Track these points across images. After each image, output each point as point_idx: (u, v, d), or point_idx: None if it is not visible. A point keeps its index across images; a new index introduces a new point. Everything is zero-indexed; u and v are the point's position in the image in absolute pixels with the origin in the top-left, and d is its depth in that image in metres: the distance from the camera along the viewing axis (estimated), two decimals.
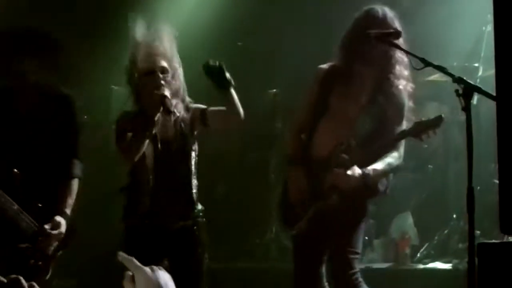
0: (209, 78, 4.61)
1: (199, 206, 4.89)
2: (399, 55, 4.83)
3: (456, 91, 3.93)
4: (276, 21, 8.77)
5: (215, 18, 8.22)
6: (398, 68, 4.85)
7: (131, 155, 4.73)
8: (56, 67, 5.18)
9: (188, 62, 5.00)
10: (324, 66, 5.07)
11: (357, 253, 4.85)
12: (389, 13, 4.89)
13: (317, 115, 4.96)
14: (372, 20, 4.83)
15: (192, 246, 4.85)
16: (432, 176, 7.70)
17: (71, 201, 5.08)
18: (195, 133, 4.91)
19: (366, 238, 6.89)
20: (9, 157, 5.00)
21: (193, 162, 4.87)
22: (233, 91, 4.66)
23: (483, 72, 7.29)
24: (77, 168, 5.14)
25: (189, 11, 8.14)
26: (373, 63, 4.84)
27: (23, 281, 1.85)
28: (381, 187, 4.91)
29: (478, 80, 7.08)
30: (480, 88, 4.03)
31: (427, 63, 4.29)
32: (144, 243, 4.78)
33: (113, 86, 7.76)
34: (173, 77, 4.83)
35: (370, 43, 4.71)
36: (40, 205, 4.95)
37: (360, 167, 4.72)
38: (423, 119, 4.62)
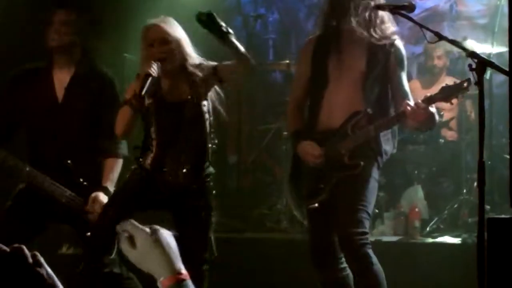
0: (205, 29, 4.65)
1: (210, 169, 4.93)
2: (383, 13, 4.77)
3: (469, 65, 3.91)
4: None
5: None
6: (388, 25, 4.80)
7: (116, 127, 4.84)
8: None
9: None
10: (312, 37, 5.03)
11: (368, 214, 4.79)
12: None
13: (317, 88, 4.91)
14: None
15: (196, 208, 4.89)
16: (443, 149, 7.69)
17: (113, 177, 5.23)
18: (210, 93, 4.96)
19: (377, 211, 6.91)
20: (58, 136, 5.15)
21: (207, 124, 4.90)
22: (233, 39, 4.67)
23: (497, 47, 7.27)
24: (123, 147, 5.30)
25: None
26: (362, 23, 4.78)
27: (26, 251, 1.84)
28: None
29: (491, 56, 7.06)
30: (493, 63, 4.01)
31: (441, 37, 4.28)
32: (146, 197, 4.88)
33: (125, 54, 7.77)
34: (177, 45, 4.89)
35: (353, 3, 4.69)
36: (85, 183, 5.13)
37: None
38: (451, 83, 4.57)
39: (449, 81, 4.56)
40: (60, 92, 5.22)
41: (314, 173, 4.86)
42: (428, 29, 4.35)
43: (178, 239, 2.13)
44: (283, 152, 8.00)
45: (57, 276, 1.84)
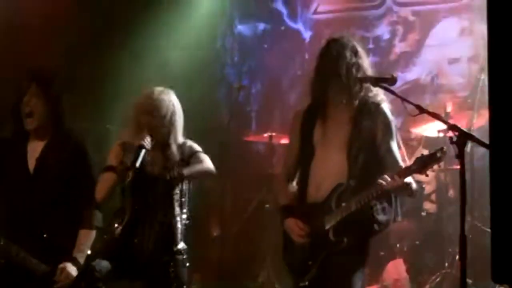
0: None
1: (181, 245, 4.99)
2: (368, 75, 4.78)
3: (450, 138, 3.93)
4: None
5: None
6: (375, 92, 4.78)
7: (97, 192, 4.96)
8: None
9: None
10: (301, 108, 5.03)
11: None
12: (351, 43, 4.83)
13: (304, 160, 4.89)
14: (336, 54, 4.78)
15: (167, 280, 4.94)
16: (425, 222, 7.68)
17: (84, 248, 5.20)
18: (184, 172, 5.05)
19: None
20: (32, 207, 5.14)
21: (176, 202, 4.98)
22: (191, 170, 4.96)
23: (477, 119, 7.32)
24: (98, 218, 5.27)
25: None
26: (347, 94, 4.77)
27: None
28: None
29: (471, 129, 7.11)
30: (473, 136, 4.02)
31: (422, 110, 4.30)
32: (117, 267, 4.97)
33: (108, 126, 7.78)
34: (170, 120, 5.05)
35: (339, 76, 4.70)
36: (45, 235, 5.09)
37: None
38: (424, 153, 4.55)
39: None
40: (32, 163, 5.21)
41: (302, 249, 4.80)
42: (409, 102, 4.38)
43: None
44: (266, 224, 7.97)
45: None
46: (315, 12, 9.50)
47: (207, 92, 9.52)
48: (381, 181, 4.49)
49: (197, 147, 5.25)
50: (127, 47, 8.48)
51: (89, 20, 8.48)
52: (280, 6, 9.65)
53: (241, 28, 9.82)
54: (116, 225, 5.01)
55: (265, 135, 8.32)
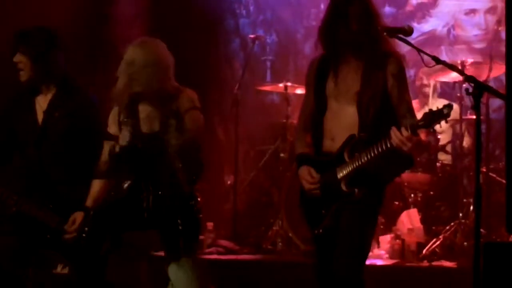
0: None
1: (187, 196, 5.04)
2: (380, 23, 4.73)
3: (466, 89, 3.92)
4: None
5: None
6: (385, 38, 4.73)
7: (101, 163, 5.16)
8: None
9: None
10: (315, 59, 5.00)
11: (366, 258, 4.77)
12: None
13: (318, 111, 4.87)
14: (345, 2, 4.74)
15: (175, 231, 5.02)
16: (440, 173, 7.69)
17: (97, 197, 5.24)
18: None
19: None
20: (43, 160, 5.21)
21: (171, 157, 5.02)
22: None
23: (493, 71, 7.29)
24: (109, 169, 5.29)
25: None
26: (361, 42, 4.74)
27: None
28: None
29: (489, 80, 7.08)
30: (490, 87, 4.01)
31: (438, 61, 4.28)
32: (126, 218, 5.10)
33: None
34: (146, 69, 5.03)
35: (352, 23, 4.65)
36: (51, 206, 5.16)
37: None
38: (432, 109, 4.51)
39: (441, 104, 4.50)
40: (40, 116, 5.26)
41: (316, 198, 4.82)
42: (425, 53, 4.36)
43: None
44: (280, 174, 8.00)
45: None
46: None
47: (222, 43, 9.51)
48: (391, 133, 4.47)
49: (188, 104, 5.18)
50: None
51: None
52: None
53: None
54: (124, 183, 5.06)
55: (280, 85, 8.30)
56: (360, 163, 4.60)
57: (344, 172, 4.66)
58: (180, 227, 4.98)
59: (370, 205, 4.72)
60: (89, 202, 5.19)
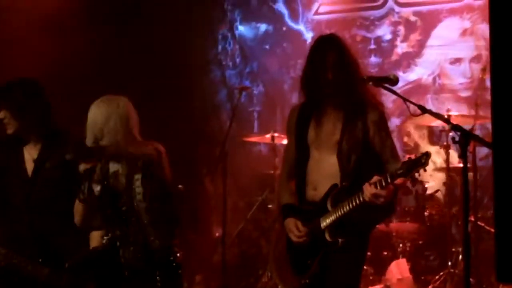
0: None
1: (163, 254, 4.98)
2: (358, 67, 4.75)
3: (453, 138, 3.92)
4: None
5: None
6: (363, 86, 4.74)
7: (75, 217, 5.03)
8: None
9: None
10: (296, 106, 5.00)
11: None
12: (340, 41, 4.80)
13: (301, 159, 4.86)
14: (323, 49, 4.76)
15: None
16: (428, 222, 7.68)
17: None
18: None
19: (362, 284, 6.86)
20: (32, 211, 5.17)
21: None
22: None
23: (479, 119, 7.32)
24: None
25: None
26: (339, 91, 4.74)
27: None
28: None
29: (474, 128, 7.11)
30: (477, 136, 4.03)
31: (424, 110, 4.29)
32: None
33: None
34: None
35: (329, 73, 4.67)
36: (40, 260, 5.08)
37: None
38: (410, 157, 4.51)
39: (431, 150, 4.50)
40: (29, 166, 5.23)
41: (301, 248, 4.80)
42: (411, 102, 4.37)
43: None
44: (269, 225, 7.97)
45: None
46: (316, 13, 9.51)
47: (208, 94, 9.54)
48: (364, 189, 4.46)
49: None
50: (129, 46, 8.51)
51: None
52: (281, 7, 9.67)
53: (242, 29, 9.85)
54: (104, 237, 5.01)
55: (267, 135, 8.32)
56: (342, 212, 4.60)
57: (328, 221, 4.65)
58: (158, 284, 4.92)
59: (355, 253, 4.71)
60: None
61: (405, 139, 8.10)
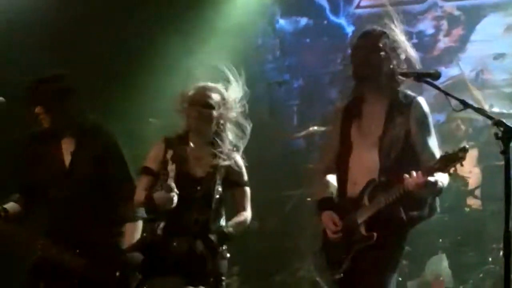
0: None
1: (213, 237, 4.99)
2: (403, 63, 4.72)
3: (495, 134, 3.89)
4: None
5: None
6: (410, 85, 4.72)
7: (136, 194, 5.12)
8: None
9: None
10: (341, 103, 5.01)
11: None
12: (384, 35, 4.77)
13: (343, 155, 4.86)
14: (365, 44, 4.75)
15: (203, 274, 4.95)
16: (468, 218, 7.63)
17: (133, 240, 5.24)
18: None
19: (400, 279, 6.83)
20: (70, 204, 5.19)
21: (213, 202, 4.99)
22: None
23: None
24: (141, 210, 5.29)
25: None
26: (381, 87, 4.73)
27: None
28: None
29: None
30: None
31: (466, 105, 4.26)
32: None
33: (150, 119, 7.84)
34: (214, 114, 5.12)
35: (371, 68, 4.66)
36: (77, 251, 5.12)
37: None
38: (448, 152, 4.48)
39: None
40: (67, 159, 5.27)
41: (337, 242, 4.80)
42: (453, 97, 4.34)
43: None
44: (306, 219, 7.96)
45: None
46: (357, 7, 9.48)
47: (248, 88, 9.54)
48: (405, 179, 4.44)
49: (242, 172, 5.28)
50: (169, 44, 8.53)
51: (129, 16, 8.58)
52: (322, 1, 9.65)
53: (282, 23, 9.83)
54: (158, 224, 5.03)
55: (306, 130, 8.30)
56: (378, 207, 4.58)
57: (364, 216, 4.65)
58: (204, 275, 4.95)
59: (390, 249, 4.69)
60: (126, 245, 5.21)
61: (456, 132, 8.03)
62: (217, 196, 5.04)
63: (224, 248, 5.05)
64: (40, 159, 5.32)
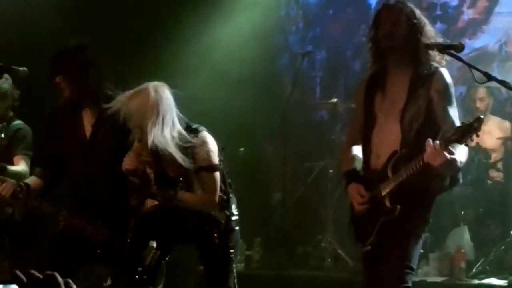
0: None
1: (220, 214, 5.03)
2: (426, 32, 4.70)
3: None
4: None
5: None
6: (431, 53, 4.70)
7: None
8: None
9: None
10: (364, 77, 5.01)
11: (412, 269, 4.77)
12: (407, 8, 4.76)
13: (367, 127, 4.87)
14: (388, 16, 4.74)
15: (211, 246, 5.00)
16: (490, 191, 7.62)
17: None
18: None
19: (422, 251, 6.84)
20: (91, 175, 5.25)
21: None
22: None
23: None
24: None
25: None
26: (404, 59, 4.73)
27: (59, 278, 1.89)
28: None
29: None
30: None
31: (490, 77, 4.25)
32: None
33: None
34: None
35: (394, 40, 4.65)
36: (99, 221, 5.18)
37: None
38: (463, 122, 4.47)
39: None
40: (88, 130, 5.30)
41: (364, 215, 4.82)
42: (477, 69, 4.33)
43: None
44: (328, 190, 7.99)
45: None
46: None
47: (271, 60, 9.54)
48: (427, 146, 4.44)
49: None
50: (191, 17, 8.55)
51: None
52: None
53: None
54: (171, 192, 5.07)
55: (329, 101, 8.30)
56: (401, 179, 4.60)
57: (388, 188, 4.66)
58: (216, 241, 5.00)
59: (414, 221, 4.71)
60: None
61: (478, 103, 7.98)
62: None
63: (234, 219, 5.09)
64: (62, 131, 5.35)
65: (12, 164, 5.94)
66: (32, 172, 5.52)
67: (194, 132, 5.02)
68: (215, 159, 5.02)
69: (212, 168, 5.02)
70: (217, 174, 5.03)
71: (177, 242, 5.21)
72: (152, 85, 4.94)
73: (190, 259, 6.28)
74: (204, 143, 5.00)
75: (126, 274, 4.94)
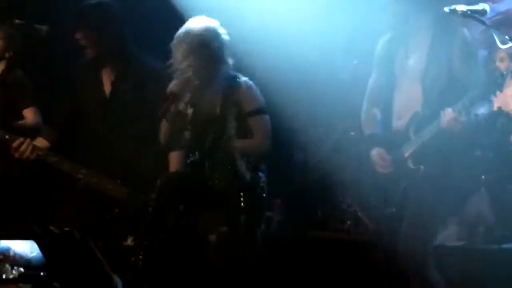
0: None
1: (248, 175, 5.01)
2: None
3: None
4: None
5: None
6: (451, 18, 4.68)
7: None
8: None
9: None
10: (384, 39, 4.98)
11: (435, 229, 4.77)
12: None
13: (387, 89, 4.87)
14: None
15: (238, 209, 5.01)
16: None
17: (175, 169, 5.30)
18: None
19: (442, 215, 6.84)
20: (111, 131, 5.28)
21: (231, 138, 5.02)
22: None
23: None
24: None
25: None
26: (425, 21, 4.71)
27: (77, 234, 1.92)
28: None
29: None
30: None
31: None
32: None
33: None
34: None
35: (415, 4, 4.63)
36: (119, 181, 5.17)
37: None
38: (486, 79, 4.47)
39: None
40: (107, 88, 5.31)
41: (387, 178, 4.83)
42: (500, 33, 4.30)
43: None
44: (350, 152, 7.98)
45: (121, 265, 1.91)
46: None
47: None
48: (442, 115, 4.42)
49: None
50: None
51: None
52: None
53: None
54: (189, 158, 5.08)
55: (351, 64, 8.26)
56: (423, 140, 4.60)
57: (410, 150, 4.67)
58: (242, 205, 5.00)
59: (437, 183, 4.71)
60: None
61: (498, 63, 7.92)
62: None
63: (261, 182, 5.09)
64: (81, 88, 5.37)
65: (20, 117, 5.90)
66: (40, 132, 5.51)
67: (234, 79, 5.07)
68: (262, 101, 5.11)
69: (261, 111, 5.09)
70: (267, 116, 5.10)
71: (204, 206, 5.22)
72: None
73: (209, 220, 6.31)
74: (248, 88, 5.07)
75: (150, 236, 4.98)
